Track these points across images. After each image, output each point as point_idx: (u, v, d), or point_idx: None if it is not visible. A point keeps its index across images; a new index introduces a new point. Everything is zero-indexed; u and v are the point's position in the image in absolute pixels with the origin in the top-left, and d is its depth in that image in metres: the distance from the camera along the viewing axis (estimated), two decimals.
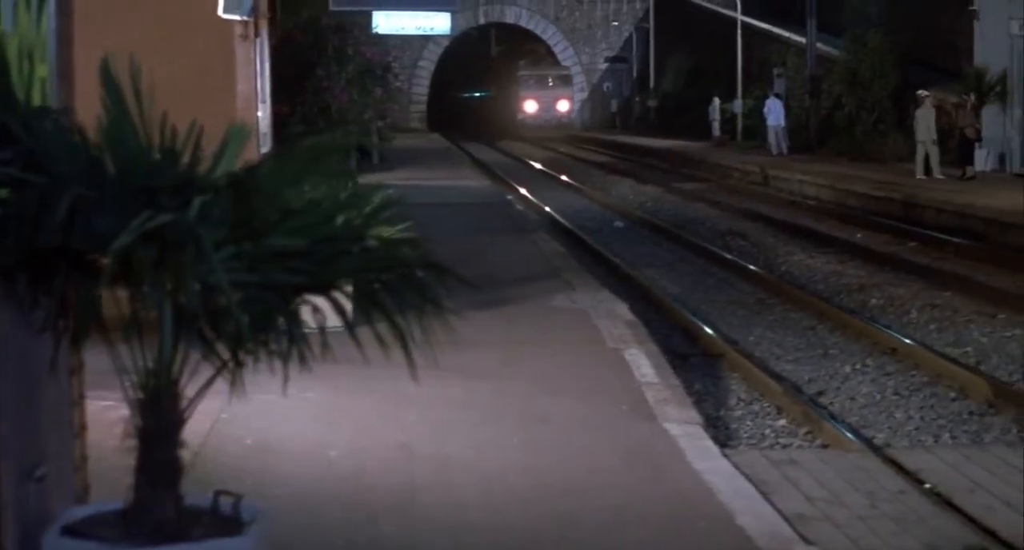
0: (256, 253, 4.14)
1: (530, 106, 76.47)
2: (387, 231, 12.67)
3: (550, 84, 77.13)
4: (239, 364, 4.29)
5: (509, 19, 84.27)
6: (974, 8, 37.70)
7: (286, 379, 4.32)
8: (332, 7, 13.02)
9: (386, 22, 34.29)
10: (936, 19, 45.86)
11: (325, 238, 4.41)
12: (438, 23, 41.48)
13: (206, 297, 4.01)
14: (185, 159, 4.23)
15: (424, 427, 9.65)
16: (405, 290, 4.61)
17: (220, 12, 12.30)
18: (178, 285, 4.06)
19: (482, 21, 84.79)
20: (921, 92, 35.92)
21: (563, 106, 77.24)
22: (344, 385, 10.18)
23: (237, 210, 4.14)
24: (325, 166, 4.52)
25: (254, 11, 12.11)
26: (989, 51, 36.24)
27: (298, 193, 4.31)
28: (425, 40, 78.51)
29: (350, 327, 4.52)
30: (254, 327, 4.14)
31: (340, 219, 4.49)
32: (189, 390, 4.44)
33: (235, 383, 4.34)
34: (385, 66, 23.02)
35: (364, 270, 4.57)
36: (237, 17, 12.16)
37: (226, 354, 4.27)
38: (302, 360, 4.32)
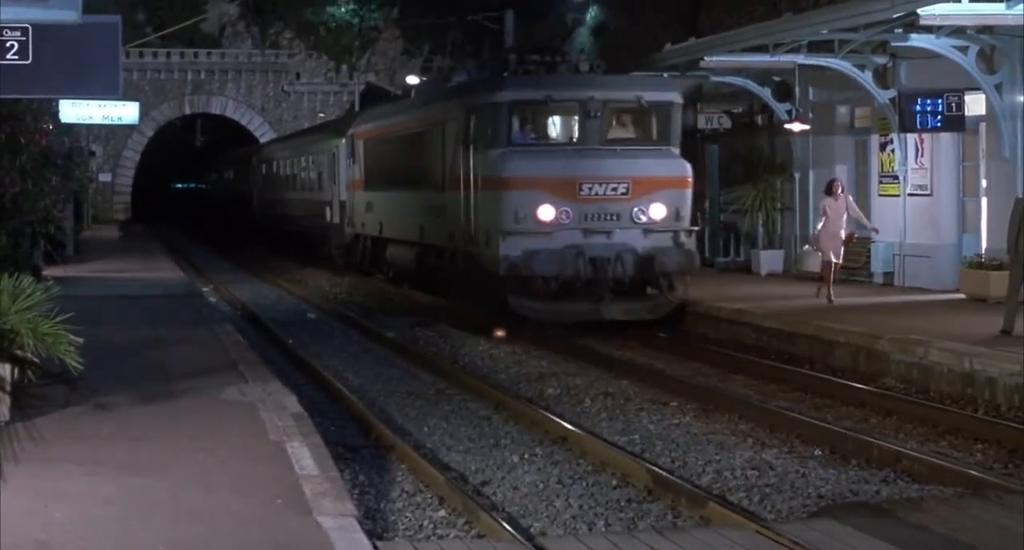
0: None
1: (545, 213, 24.76)
2: (44, 324, 12.29)
3: (629, 130, 26.34)
4: None
5: (215, 109, 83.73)
6: None
7: None
8: None
9: (72, 110, 33.76)
10: None
11: None
12: (126, 113, 41.20)
13: None
14: None
15: (69, 524, 9.41)
16: None
17: None
18: None
19: (188, 111, 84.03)
20: None
21: (658, 210, 25.16)
22: None
23: None
24: None
25: None
26: None
27: None
28: (129, 129, 77.29)
29: None
30: None
31: None
32: None
33: None
34: (66, 155, 22.66)
35: None
36: None
37: None
38: None
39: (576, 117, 25.48)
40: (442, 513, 11.80)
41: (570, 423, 15.84)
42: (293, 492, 10.39)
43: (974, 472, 13.01)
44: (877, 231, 25.96)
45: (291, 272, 42.13)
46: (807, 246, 25.78)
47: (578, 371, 20.26)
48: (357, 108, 72.61)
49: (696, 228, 26.11)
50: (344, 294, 34.49)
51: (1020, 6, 22.07)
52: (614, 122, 25.80)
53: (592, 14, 58.82)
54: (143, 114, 63.46)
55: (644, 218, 24.79)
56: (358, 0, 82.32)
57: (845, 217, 24.70)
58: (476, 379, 19.37)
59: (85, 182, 41.87)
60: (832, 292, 24.37)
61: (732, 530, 10.65)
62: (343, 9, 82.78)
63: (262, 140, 77.68)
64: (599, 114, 25.27)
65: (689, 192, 25.65)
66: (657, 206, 24.86)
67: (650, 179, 25.06)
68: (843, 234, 24.73)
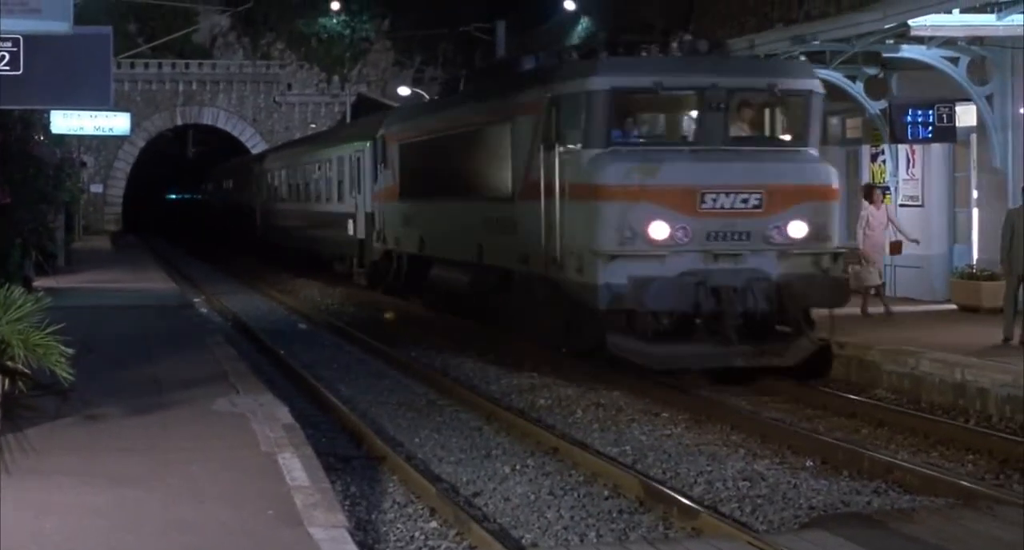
0: None
1: (658, 230, 19.52)
2: (35, 335, 12.28)
3: (760, 126, 21.39)
4: None
5: (207, 120, 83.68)
6: None
7: None
8: None
9: (63, 121, 33.77)
10: None
11: None
12: (117, 123, 41.23)
13: None
14: None
15: (60, 536, 9.39)
16: None
17: None
18: None
19: (180, 122, 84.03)
20: None
21: (798, 228, 19.92)
22: None
23: None
24: None
25: None
26: None
27: None
28: (120, 140, 77.33)
29: None
30: None
31: None
32: None
33: None
34: (57, 165, 22.64)
35: None
36: None
37: None
38: None
39: (694, 109, 20.42)
40: (433, 524, 11.79)
41: (561, 434, 15.86)
42: (284, 503, 10.37)
43: (965, 483, 13.01)
44: (918, 242, 24.48)
45: (283, 283, 42.09)
46: (851, 265, 24.66)
47: (569, 382, 20.22)
48: (349, 119, 72.58)
49: (843, 250, 21.11)
50: (336, 305, 34.48)
51: (1011, 18, 22.13)
52: (741, 116, 20.62)
53: (583, 24, 58.94)
54: (134, 125, 63.47)
55: (780, 237, 19.68)
56: (349, 11, 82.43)
57: (887, 226, 24.16)
58: (467, 390, 19.36)
59: (76, 193, 41.89)
60: (870, 305, 23.62)
61: (724, 541, 10.66)
62: (334, 20, 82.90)
63: (254, 151, 77.54)
64: (723, 106, 20.07)
65: (835, 205, 20.66)
66: (797, 223, 19.74)
67: (788, 188, 19.85)
68: (886, 244, 24.28)
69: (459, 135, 26.26)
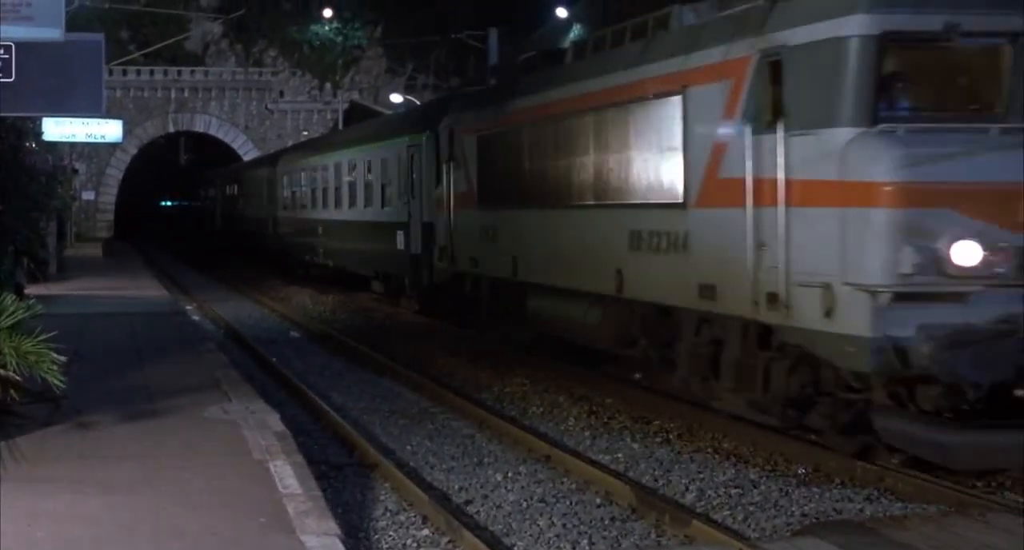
0: None
1: (965, 253, 12.40)
2: (27, 342, 12.27)
3: None
4: None
5: (199, 127, 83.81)
6: None
7: None
8: None
9: (56, 129, 33.74)
10: None
11: None
12: (110, 131, 41.23)
13: None
14: None
15: (52, 544, 9.42)
16: None
17: None
18: None
19: (172, 129, 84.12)
20: None
21: None
22: None
23: None
24: None
25: None
26: None
27: None
28: (112, 147, 77.39)
29: None
30: None
31: None
32: None
33: None
34: (49, 173, 22.68)
35: None
36: None
37: None
38: None
39: (1006, 66, 13.29)
40: (425, 532, 11.79)
41: (553, 442, 15.86)
42: (276, 511, 10.38)
43: (957, 490, 13.03)
44: None
45: (275, 291, 42.10)
46: None
47: (561, 389, 20.23)
48: (341, 126, 72.46)
49: None
50: (328, 312, 34.47)
51: None
52: None
53: (576, 32, 59.03)
54: (126, 132, 63.51)
55: None
56: (342, 18, 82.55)
57: None
58: (460, 397, 19.34)
59: (68, 200, 41.89)
60: None
61: (716, 548, 10.68)
62: (327, 27, 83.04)
63: (245, 158, 77.47)
64: None
65: None
66: None
67: None
68: None
69: (580, 119, 19.49)
